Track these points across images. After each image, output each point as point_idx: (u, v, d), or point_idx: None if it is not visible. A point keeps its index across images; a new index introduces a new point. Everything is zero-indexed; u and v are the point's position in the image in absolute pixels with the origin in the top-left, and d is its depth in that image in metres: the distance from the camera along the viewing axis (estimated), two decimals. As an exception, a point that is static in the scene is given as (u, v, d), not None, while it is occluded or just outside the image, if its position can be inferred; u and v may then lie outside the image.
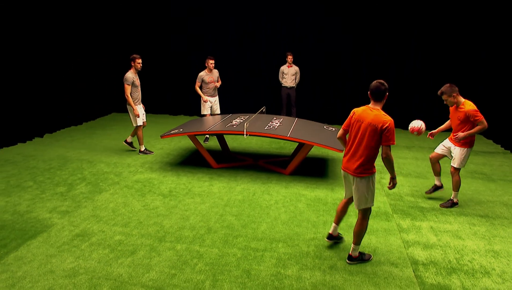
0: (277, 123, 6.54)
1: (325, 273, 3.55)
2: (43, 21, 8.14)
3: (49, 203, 4.93)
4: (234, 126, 6.24)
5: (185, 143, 7.92)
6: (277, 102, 9.84)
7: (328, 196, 5.33)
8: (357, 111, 3.61)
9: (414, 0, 9.08)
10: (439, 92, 4.83)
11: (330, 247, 3.99)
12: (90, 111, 10.02)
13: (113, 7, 10.46)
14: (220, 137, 7.16)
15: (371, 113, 3.47)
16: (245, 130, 5.77)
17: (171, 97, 10.84)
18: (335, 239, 4.03)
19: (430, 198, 5.35)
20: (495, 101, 8.60)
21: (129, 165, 6.45)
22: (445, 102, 4.87)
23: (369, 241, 4.13)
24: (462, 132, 4.79)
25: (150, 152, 7.16)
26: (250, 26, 10.08)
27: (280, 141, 8.21)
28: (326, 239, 4.03)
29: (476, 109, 4.69)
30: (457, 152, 4.93)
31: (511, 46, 8.01)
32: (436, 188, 5.38)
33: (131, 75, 6.70)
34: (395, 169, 6.58)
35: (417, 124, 4.33)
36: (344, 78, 9.80)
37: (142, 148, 7.12)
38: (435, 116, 9.31)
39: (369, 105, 3.58)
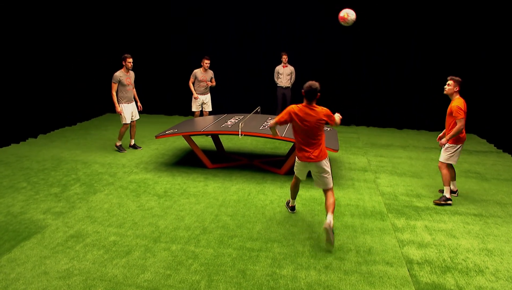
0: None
1: (320, 272, 3.56)
2: (39, 21, 8.08)
3: (43, 204, 4.89)
4: (229, 126, 6.24)
5: (180, 143, 7.90)
6: (276, 102, 9.85)
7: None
8: (297, 111, 4.08)
9: (414, 0, 9.13)
10: (449, 77, 5.06)
11: (325, 247, 4.00)
12: (84, 112, 9.95)
13: (113, 7, 10.41)
14: (215, 137, 7.15)
15: (313, 112, 4.07)
16: (240, 130, 5.76)
17: (171, 97, 10.80)
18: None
19: (424, 198, 5.38)
20: (493, 101, 8.66)
21: (124, 166, 6.42)
22: (445, 86, 5.05)
23: (364, 241, 4.14)
24: (448, 126, 5.04)
25: (124, 150, 7.22)
26: (250, 26, 10.09)
27: (275, 141, 8.21)
28: (293, 212, 4.80)
29: (461, 107, 4.85)
30: (444, 147, 5.17)
31: (511, 46, 8.07)
32: (451, 192, 5.40)
33: (119, 74, 6.84)
34: (391, 168, 6.63)
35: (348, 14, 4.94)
36: (344, 78, 9.84)
37: (118, 143, 7.22)
38: (435, 116, 9.36)
39: (304, 104, 4.10)
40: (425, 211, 4.94)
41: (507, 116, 8.00)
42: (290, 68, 9.20)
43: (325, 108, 4.16)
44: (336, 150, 5.67)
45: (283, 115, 4.16)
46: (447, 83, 5.05)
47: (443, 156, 5.15)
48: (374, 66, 9.67)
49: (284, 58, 9.07)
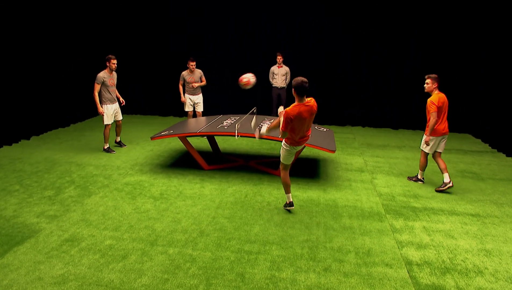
0: (268, 124, 6.49)
1: (320, 275, 3.52)
2: (36, 21, 7.96)
3: (37, 207, 4.80)
4: (225, 127, 6.19)
5: (175, 144, 7.83)
6: (271, 102, 9.83)
7: (320, 197, 5.31)
8: (296, 114, 4.27)
9: (414, 0, 9.15)
10: (426, 76, 5.59)
11: (324, 248, 3.97)
12: (78, 113, 9.83)
13: (113, 7, 10.31)
14: (211, 138, 7.09)
15: (307, 108, 4.36)
16: (236, 131, 5.72)
17: (171, 97, 10.72)
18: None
19: (422, 198, 5.37)
20: (490, 101, 8.68)
21: (119, 168, 6.34)
22: (425, 85, 5.60)
23: (363, 242, 4.11)
24: (428, 120, 5.55)
25: (112, 151, 7.20)
26: (250, 26, 10.06)
27: (270, 141, 8.16)
28: (292, 207, 4.79)
29: (434, 102, 5.39)
30: (423, 137, 5.76)
31: (511, 46, 8.10)
32: (419, 180, 6.05)
33: (102, 74, 6.87)
34: (387, 169, 6.62)
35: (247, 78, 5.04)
36: (344, 78, 9.84)
37: (106, 146, 7.22)
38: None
39: (299, 103, 4.32)
40: (422, 212, 4.93)
41: (502, 116, 8.03)
42: (285, 69, 9.17)
43: (312, 98, 4.51)
44: (333, 151, 5.65)
45: (286, 124, 4.30)
46: (425, 82, 5.57)
47: (421, 144, 5.81)
48: (374, 66, 9.66)
49: (279, 58, 9.04)
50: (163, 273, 3.49)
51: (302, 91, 4.30)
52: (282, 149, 4.67)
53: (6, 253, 3.75)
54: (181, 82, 8.13)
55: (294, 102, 4.47)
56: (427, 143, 5.59)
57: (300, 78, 4.30)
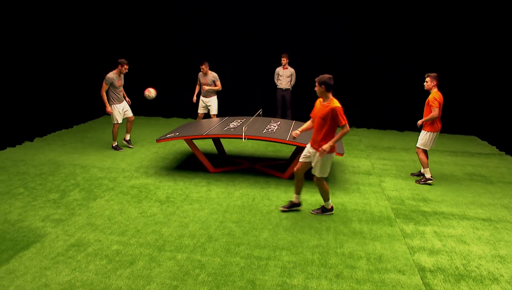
0: (275, 126, 6.44)
1: (332, 282, 3.45)
2: (37, 21, 7.90)
3: (42, 211, 4.73)
4: (232, 130, 6.12)
5: (180, 146, 7.76)
6: (276, 103, 9.78)
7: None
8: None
9: (414, 0, 9.10)
10: (426, 74, 5.84)
11: (335, 254, 3.90)
12: (81, 114, 9.77)
13: (113, 7, 10.26)
14: (216, 140, 7.02)
15: None
16: (243, 134, 5.65)
17: (171, 98, 10.66)
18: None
19: (431, 202, 5.29)
20: (493, 102, 8.63)
21: (124, 170, 6.27)
22: (424, 83, 5.85)
23: (374, 248, 4.04)
24: (426, 115, 5.80)
25: (120, 148, 7.35)
26: (250, 26, 10.03)
27: (276, 144, 8.09)
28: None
29: (436, 98, 5.62)
30: (420, 134, 5.94)
31: (511, 46, 8.04)
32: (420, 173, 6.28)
33: (111, 76, 7.00)
34: (395, 172, 6.54)
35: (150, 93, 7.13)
36: (344, 78, 9.78)
37: (114, 144, 7.36)
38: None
39: (331, 97, 4.41)
40: (433, 216, 4.85)
41: (508, 118, 7.95)
42: (290, 70, 9.10)
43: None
44: (342, 154, 5.58)
45: (344, 115, 4.37)
46: (425, 80, 5.81)
47: (419, 142, 5.91)
48: (374, 66, 9.63)
49: (283, 60, 8.98)
50: (172, 279, 3.42)
51: (331, 87, 4.36)
52: (327, 161, 4.50)
53: (11, 258, 3.68)
54: (197, 82, 8.14)
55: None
56: (419, 126, 5.88)
57: (327, 75, 4.38)
